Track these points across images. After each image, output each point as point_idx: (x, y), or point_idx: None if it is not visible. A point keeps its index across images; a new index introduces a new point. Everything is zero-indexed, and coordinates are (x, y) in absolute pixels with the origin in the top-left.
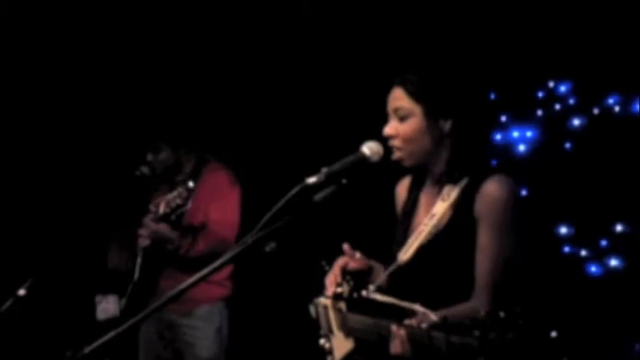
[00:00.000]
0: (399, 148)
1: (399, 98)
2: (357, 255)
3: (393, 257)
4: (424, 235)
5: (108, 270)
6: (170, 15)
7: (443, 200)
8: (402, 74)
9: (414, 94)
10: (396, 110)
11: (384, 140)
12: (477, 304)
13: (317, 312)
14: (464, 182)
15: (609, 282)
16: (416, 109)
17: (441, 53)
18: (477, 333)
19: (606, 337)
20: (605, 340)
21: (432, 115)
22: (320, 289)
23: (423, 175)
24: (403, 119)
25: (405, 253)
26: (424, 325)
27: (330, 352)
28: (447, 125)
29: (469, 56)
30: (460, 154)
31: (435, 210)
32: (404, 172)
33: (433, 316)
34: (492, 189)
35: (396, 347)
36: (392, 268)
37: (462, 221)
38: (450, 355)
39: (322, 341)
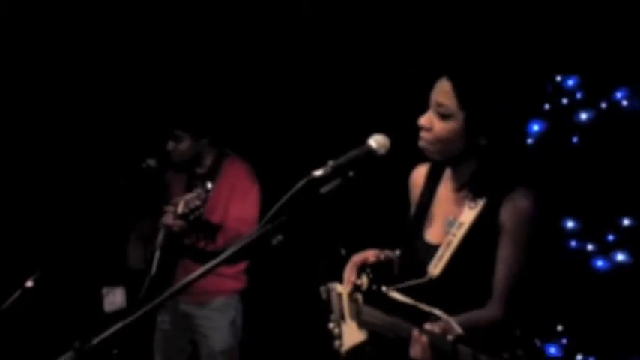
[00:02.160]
0: (429, 143)
1: (445, 94)
2: (382, 255)
3: (407, 247)
4: (454, 247)
5: (128, 268)
6: (173, 13)
7: (470, 208)
8: (455, 67)
9: (463, 99)
10: (438, 105)
11: (389, 134)
12: (490, 312)
13: (329, 297)
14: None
15: (616, 277)
16: (459, 114)
17: (444, 50)
18: (506, 355)
19: (613, 332)
20: (612, 336)
21: (472, 125)
22: (333, 274)
23: (441, 166)
24: (443, 117)
25: (436, 267)
26: (450, 337)
27: (339, 336)
28: (482, 140)
29: (475, 51)
30: (487, 172)
31: (463, 219)
32: (409, 165)
33: (457, 327)
34: (519, 203)
35: (416, 352)
36: (423, 280)
37: (486, 233)
38: None
39: (331, 325)
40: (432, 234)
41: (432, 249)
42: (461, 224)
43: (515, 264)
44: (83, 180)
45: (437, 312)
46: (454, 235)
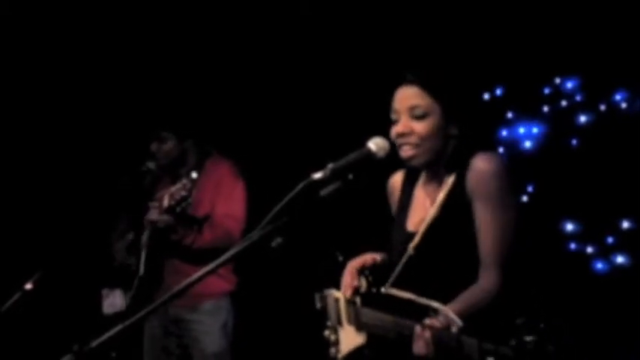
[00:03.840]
0: (415, 146)
1: (414, 96)
2: (378, 257)
3: (395, 250)
4: (428, 221)
5: (115, 265)
6: (173, 13)
7: (442, 189)
8: (413, 72)
9: (434, 92)
10: (411, 109)
11: (389, 137)
12: (485, 284)
13: (325, 303)
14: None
15: (615, 279)
16: (435, 108)
17: (444, 51)
18: (513, 342)
19: (612, 334)
20: (611, 338)
21: (448, 114)
22: (329, 279)
23: (415, 171)
24: (420, 118)
25: (413, 242)
26: (454, 330)
27: (336, 343)
28: (457, 126)
29: (474, 52)
30: (461, 153)
31: (438, 199)
32: (399, 167)
33: (456, 319)
34: (480, 164)
35: (420, 348)
36: (404, 259)
37: (457, 202)
38: None
39: (327, 332)
40: (412, 226)
41: (413, 235)
42: (435, 202)
43: (494, 227)
44: (82, 182)
45: (435, 305)
46: (430, 215)
